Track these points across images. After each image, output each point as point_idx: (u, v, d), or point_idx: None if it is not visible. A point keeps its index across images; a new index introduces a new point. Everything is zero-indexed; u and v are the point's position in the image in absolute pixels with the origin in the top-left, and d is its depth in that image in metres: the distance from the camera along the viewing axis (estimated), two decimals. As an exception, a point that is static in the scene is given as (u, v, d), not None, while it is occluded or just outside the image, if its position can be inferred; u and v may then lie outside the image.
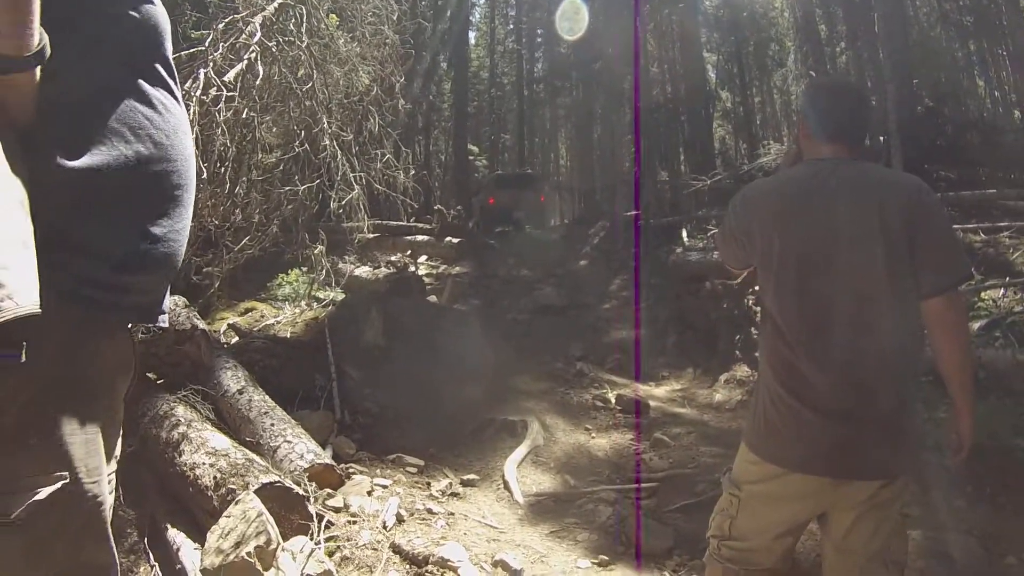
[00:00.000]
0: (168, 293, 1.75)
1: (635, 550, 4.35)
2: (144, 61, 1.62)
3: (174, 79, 1.71)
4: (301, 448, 4.54)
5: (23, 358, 1.29)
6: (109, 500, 1.59)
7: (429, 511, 4.41)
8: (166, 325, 1.76)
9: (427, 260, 15.35)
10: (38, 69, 1.37)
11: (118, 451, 1.80)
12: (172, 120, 1.63)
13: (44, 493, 1.36)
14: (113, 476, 1.75)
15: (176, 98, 1.70)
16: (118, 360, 1.62)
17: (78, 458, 1.44)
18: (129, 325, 1.70)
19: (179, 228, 1.65)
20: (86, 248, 1.45)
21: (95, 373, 1.52)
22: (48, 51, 1.36)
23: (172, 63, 1.71)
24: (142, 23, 1.60)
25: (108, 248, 1.48)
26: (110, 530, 1.56)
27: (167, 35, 1.69)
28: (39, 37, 1.33)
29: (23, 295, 1.24)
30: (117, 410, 1.64)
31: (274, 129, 7.87)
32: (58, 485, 1.39)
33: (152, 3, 1.62)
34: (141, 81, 1.59)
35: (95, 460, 1.49)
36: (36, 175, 1.37)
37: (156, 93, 1.62)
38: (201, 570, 3.16)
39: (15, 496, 1.34)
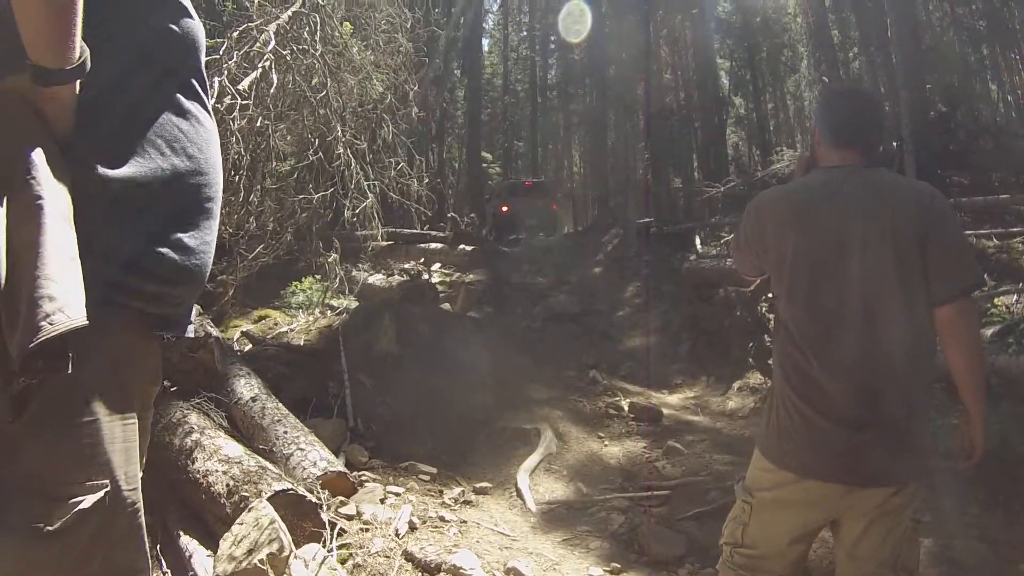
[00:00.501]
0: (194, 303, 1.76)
1: (647, 558, 4.35)
2: (182, 74, 1.64)
3: (206, 92, 1.73)
4: (314, 456, 4.55)
5: (69, 369, 1.31)
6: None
7: (442, 519, 4.41)
8: (193, 335, 1.78)
9: (441, 268, 15.34)
10: (78, 82, 1.39)
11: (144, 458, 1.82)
12: (204, 133, 1.66)
13: (89, 502, 1.38)
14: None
15: (208, 111, 1.72)
16: (151, 368, 1.64)
17: (118, 465, 1.46)
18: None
19: (209, 240, 1.66)
20: (120, 258, 1.47)
21: (131, 381, 1.54)
22: (89, 64, 1.38)
23: (205, 76, 1.74)
24: (182, 37, 1.62)
25: (142, 259, 1.50)
26: (145, 536, 1.57)
27: (202, 49, 1.71)
28: (80, 50, 1.35)
29: (73, 308, 1.26)
30: (147, 417, 1.66)
31: (288, 137, 7.92)
32: (101, 493, 1.40)
33: (191, 17, 1.64)
34: (178, 94, 1.62)
35: (133, 467, 1.51)
36: (77, 183, 1.39)
37: (191, 106, 1.64)
38: (214, 577, 3.17)
39: (58, 505, 1.35)
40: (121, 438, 1.47)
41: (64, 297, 1.25)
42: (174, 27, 1.60)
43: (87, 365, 1.37)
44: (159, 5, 1.59)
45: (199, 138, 1.63)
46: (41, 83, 1.34)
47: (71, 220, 1.33)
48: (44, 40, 1.32)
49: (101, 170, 1.43)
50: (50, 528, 1.34)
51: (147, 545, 1.57)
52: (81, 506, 1.37)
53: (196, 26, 1.66)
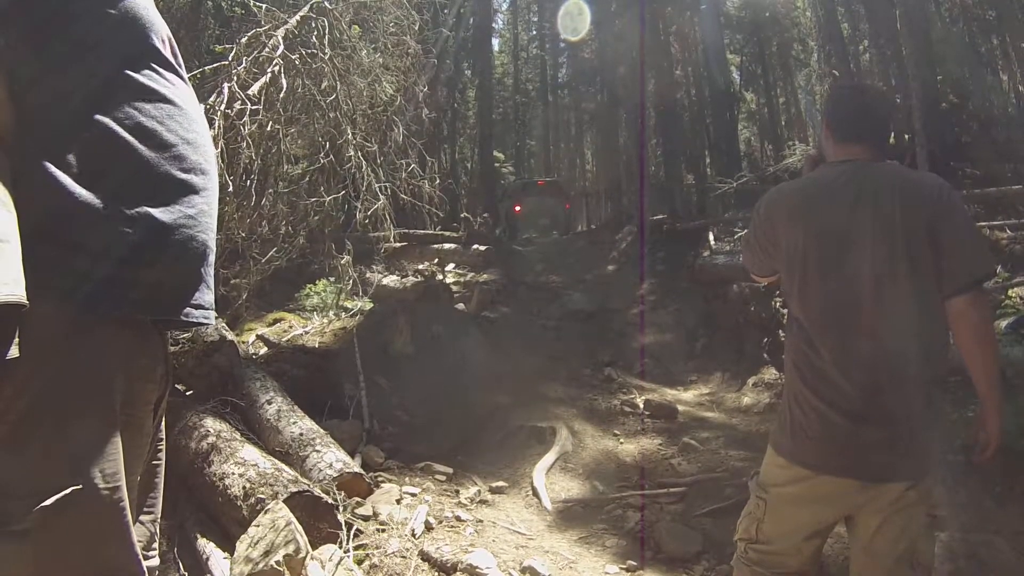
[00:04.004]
0: (205, 287, 1.68)
1: (663, 555, 4.34)
2: (132, 56, 1.61)
3: (171, 69, 1.70)
4: (330, 457, 4.56)
5: (16, 353, 1.30)
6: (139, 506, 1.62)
7: (458, 518, 4.42)
8: (209, 322, 1.70)
9: (454, 268, 15.32)
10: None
11: (162, 456, 1.81)
12: (167, 108, 1.62)
13: (51, 500, 1.36)
14: (159, 484, 1.79)
15: (176, 89, 1.68)
16: (133, 361, 1.59)
17: (90, 462, 1.43)
18: (156, 327, 1.67)
19: (192, 214, 1.61)
20: (81, 244, 1.44)
21: (103, 374, 1.49)
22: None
23: (165, 53, 1.69)
24: (122, 19, 1.59)
25: (105, 242, 1.46)
26: (134, 536, 1.54)
27: (154, 27, 1.67)
28: None
29: None
30: (139, 416, 1.62)
31: (299, 141, 7.94)
32: (67, 491, 1.37)
33: None
34: (131, 75, 1.59)
35: (112, 465, 1.48)
36: (27, 175, 1.39)
37: (148, 83, 1.61)
38: (231, 579, 3.19)
39: (21, 502, 1.34)
40: (93, 434, 1.45)
41: None
42: (112, 11, 1.58)
43: (45, 356, 1.38)
44: None
45: (158, 112, 1.60)
46: None
47: (10, 206, 1.33)
48: None
49: (48, 160, 1.43)
50: (16, 528, 1.33)
51: (136, 545, 1.55)
52: (44, 504, 1.35)
53: (137, 5, 1.62)
